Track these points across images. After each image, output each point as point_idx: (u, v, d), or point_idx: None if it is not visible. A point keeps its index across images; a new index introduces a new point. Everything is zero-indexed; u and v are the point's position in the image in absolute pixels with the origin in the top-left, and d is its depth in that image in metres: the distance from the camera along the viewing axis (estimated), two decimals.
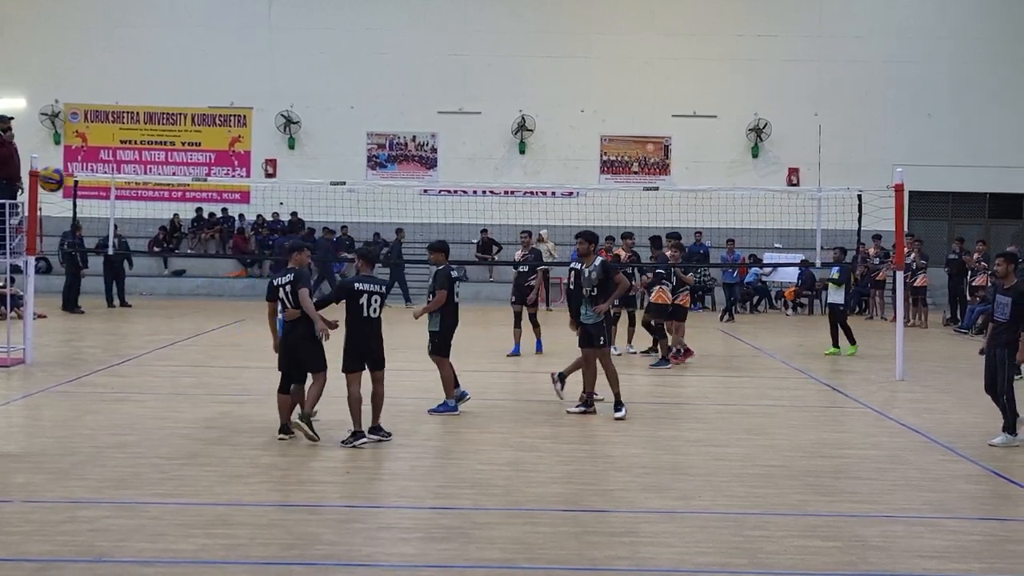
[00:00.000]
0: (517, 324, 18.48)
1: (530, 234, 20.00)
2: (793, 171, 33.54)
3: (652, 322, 17.95)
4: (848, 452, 11.19)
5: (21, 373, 15.45)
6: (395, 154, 34.41)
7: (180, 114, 34.22)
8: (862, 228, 18.90)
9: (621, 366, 14.29)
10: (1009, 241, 30.76)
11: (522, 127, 33.85)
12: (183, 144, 34.32)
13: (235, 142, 34.36)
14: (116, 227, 21.09)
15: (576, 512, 8.74)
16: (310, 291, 11.16)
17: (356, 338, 11.04)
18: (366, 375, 11.11)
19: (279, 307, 11.31)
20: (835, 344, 19.82)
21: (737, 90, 33.69)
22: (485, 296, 30.67)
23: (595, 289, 12.77)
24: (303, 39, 33.73)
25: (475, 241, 31.70)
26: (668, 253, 18.30)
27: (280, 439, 11.07)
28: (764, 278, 30.64)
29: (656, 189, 23.03)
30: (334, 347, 11.15)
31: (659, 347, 17.91)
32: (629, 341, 19.27)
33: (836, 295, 19.89)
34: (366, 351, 11.09)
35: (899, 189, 16.73)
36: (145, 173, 33.42)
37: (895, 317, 17.70)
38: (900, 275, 17.55)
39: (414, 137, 34.37)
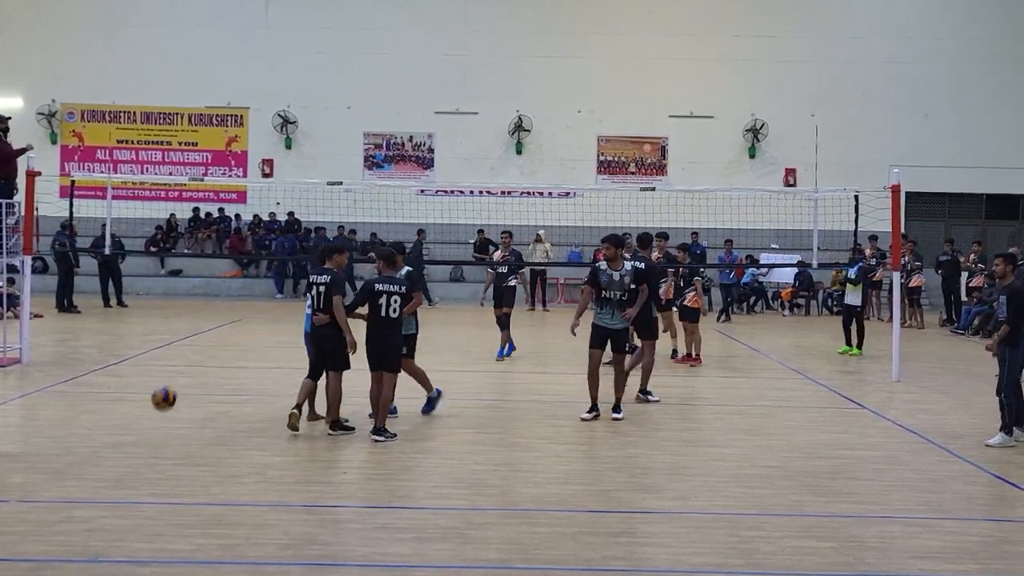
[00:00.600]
0: (502, 327, 18.02)
1: (511, 234, 19.62)
2: (790, 172, 33.56)
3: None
4: (845, 453, 11.19)
5: (17, 373, 15.44)
6: (392, 154, 34.40)
7: (177, 114, 34.19)
8: (859, 229, 18.92)
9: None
10: (1006, 242, 30.85)
11: (519, 127, 33.85)
12: (180, 144, 34.29)
13: (232, 142, 34.34)
14: (110, 227, 21.05)
15: (572, 512, 8.74)
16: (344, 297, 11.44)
17: (375, 337, 11.23)
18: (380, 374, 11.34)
19: (308, 304, 11.58)
20: (848, 343, 19.86)
21: (734, 90, 33.70)
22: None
23: (627, 294, 12.53)
24: (300, 39, 33.72)
25: (472, 241, 31.69)
26: (655, 255, 18.32)
27: (292, 413, 11.32)
28: (761, 278, 30.65)
29: (653, 189, 23.00)
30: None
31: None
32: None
33: (853, 296, 19.83)
34: (383, 351, 11.25)
35: (896, 190, 16.74)
36: (142, 173, 33.40)
37: (891, 318, 17.71)
38: (896, 276, 17.57)
39: (411, 137, 34.37)
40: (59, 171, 31.38)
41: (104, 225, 21.44)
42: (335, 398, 11.42)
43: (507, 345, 18.05)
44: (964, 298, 25.63)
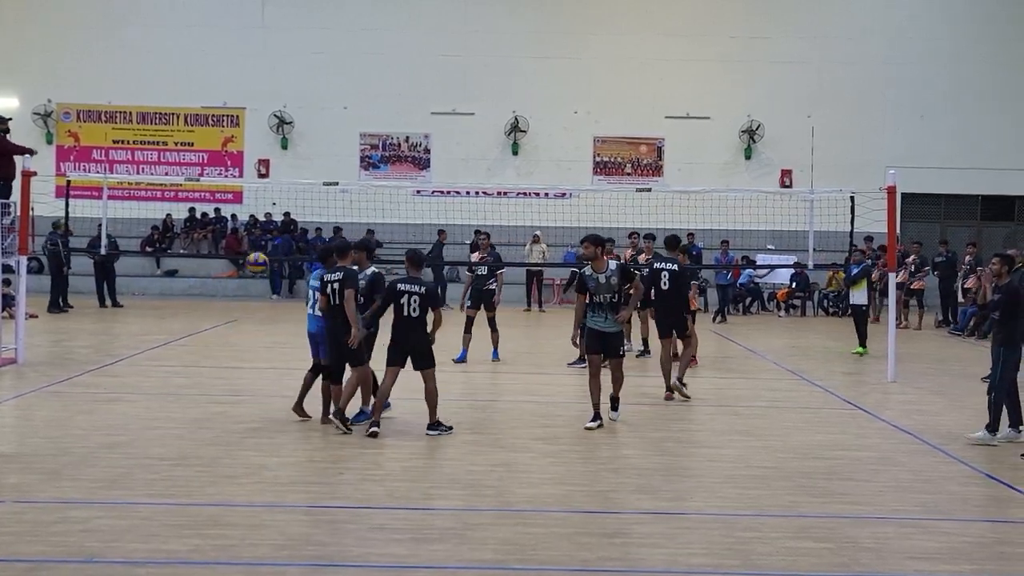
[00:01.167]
0: (468, 330, 17.51)
1: (488, 235, 19.46)
2: (786, 173, 33.57)
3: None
4: (840, 454, 11.20)
5: (13, 373, 15.43)
6: (388, 154, 34.39)
7: (173, 114, 34.16)
8: (855, 230, 18.94)
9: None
10: (1001, 243, 30.88)
11: (515, 128, 33.85)
12: (176, 144, 34.25)
13: (228, 142, 34.31)
14: (105, 227, 21.02)
15: (568, 513, 8.74)
16: (357, 292, 11.55)
17: (399, 336, 11.41)
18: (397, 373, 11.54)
19: (310, 303, 11.91)
20: (862, 343, 19.95)
21: (730, 91, 33.70)
22: None
23: (616, 295, 12.08)
24: (296, 39, 33.69)
25: (468, 242, 31.65)
26: (641, 257, 18.41)
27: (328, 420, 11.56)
28: (758, 279, 30.67)
29: (649, 190, 23.03)
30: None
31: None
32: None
33: (860, 296, 19.85)
34: (408, 349, 11.42)
35: (891, 191, 16.76)
36: (138, 173, 33.31)
37: (882, 318, 17.75)
38: (892, 277, 17.58)
39: (407, 138, 34.35)
40: (55, 171, 31.36)
41: (100, 225, 21.38)
42: (349, 391, 11.61)
43: (465, 349, 17.51)
44: (960, 299, 25.64)
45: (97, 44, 33.56)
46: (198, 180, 29.70)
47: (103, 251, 21.68)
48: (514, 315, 26.63)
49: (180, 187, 33.29)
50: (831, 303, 30.22)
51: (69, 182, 21.31)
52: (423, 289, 11.46)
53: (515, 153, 34.09)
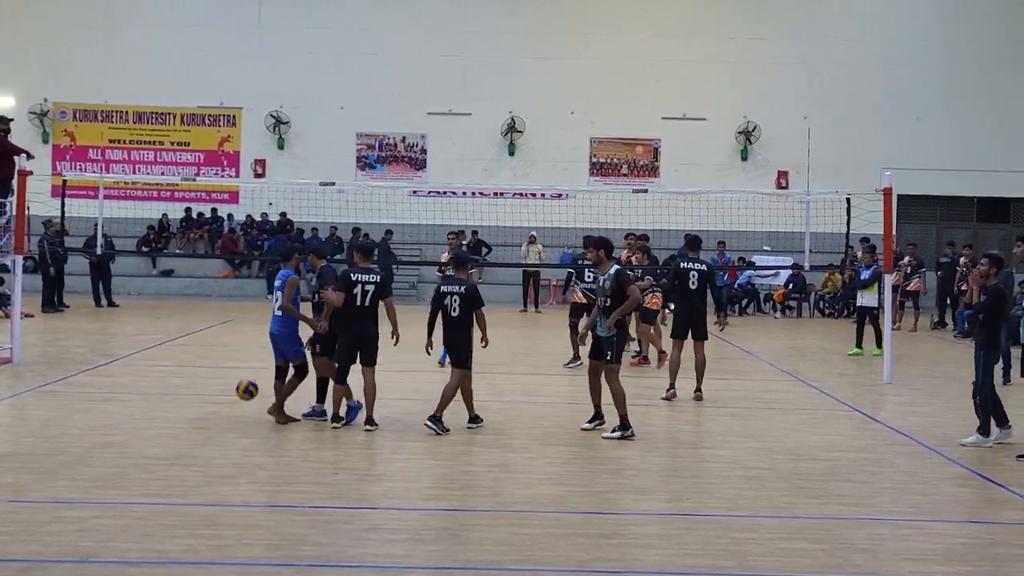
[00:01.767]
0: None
1: (457, 235, 19.18)
2: (782, 174, 33.59)
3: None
4: (836, 455, 11.20)
5: (8, 372, 15.40)
6: (384, 155, 34.39)
7: (169, 114, 34.14)
8: (850, 231, 18.96)
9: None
10: (997, 245, 30.89)
11: (512, 128, 33.85)
12: (172, 144, 34.22)
13: (224, 142, 34.28)
14: (101, 227, 21.02)
15: (564, 514, 8.74)
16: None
17: (445, 336, 11.90)
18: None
19: (277, 303, 12.07)
20: (859, 344, 19.95)
21: (727, 93, 33.72)
22: None
23: (608, 300, 11.87)
24: (293, 39, 33.68)
25: (465, 243, 31.65)
26: (634, 257, 18.40)
27: (334, 427, 11.57)
28: (759, 279, 30.70)
29: (645, 191, 23.06)
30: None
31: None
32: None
33: (868, 298, 19.85)
34: (451, 348, 11.91)
35: (887, 192, 16.77)
36: (134, 173, 33.30)
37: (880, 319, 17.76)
38: (888, 278, 17.59)
39: (403, 138, 34.35)
40: (51, 171, 31.28)
41: (96, 225, 21.38)
42: (371, 395, 11.68)
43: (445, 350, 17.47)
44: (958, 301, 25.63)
45: (93, 43, 33.53)
46: (194, 180, 29.69)
47: (99, 251, 21.64)
48: (510, 316, 26.64)
49: (176, 187, 33.28)
50: (827, 304, 30.24)
51: (65, 182, 21.32)
52: (463, 289, 11.81)
53: (511, 154, 34.09)
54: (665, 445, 11.53)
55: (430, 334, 11.88)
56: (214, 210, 33.70)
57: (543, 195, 30.81)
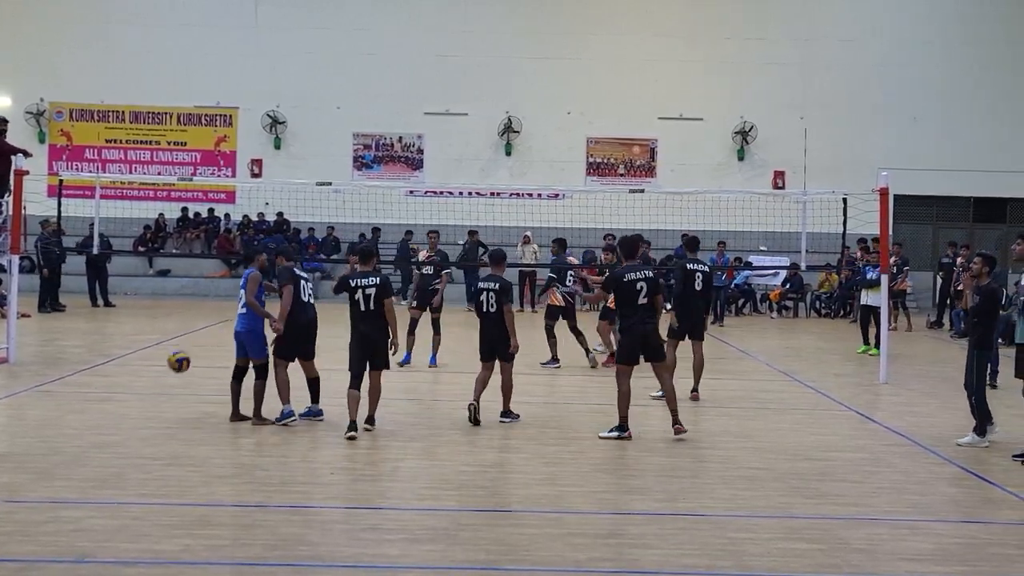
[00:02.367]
0: (412, 331, 16.81)
1: (437, 234, 19.11)
2: (779, 174, 33.61)
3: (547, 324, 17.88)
4: (832, 455, 11.21)
5: (4, 372, 15.38)
6: (381, 155, 34.37)
7: (166, 113, 34.12)
8: (847, 231, 18.96)
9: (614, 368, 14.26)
10: (993, 245, 30.94)
11: (508, 128, 33.85)
12: (168, 143, 34.19)
13: (221, 142, 34.27)
14: (98, 226, 20.98)
15: (561, 514, 8.74)
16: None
17: (481, 332, 12.43)
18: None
19: (241, 299, 12.15)
20: (866, 342, 19.99)
21: (723, 93, 33.73)
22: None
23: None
24: (290, 39, 33.66)
25: (461, 243, 31.66)
26: (604, 256, 18.52)
27: (349, 438, 11.24)
28: (756, 279, 30.71)
29: (642, 191, 23.05)
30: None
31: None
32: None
33: (873, 297, 19.87)
34: (487, 344, 12.41)
35: (884, 192, 16.77)
36: (130, 172, 33.29)
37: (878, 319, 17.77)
38: (885, 279, 17.60)
39: (400, 138, 34.34)
40: (47, 170, 31.23)
41: (92, 225, 21.35)
42: (376, 396, 11.71)
43: (408, 352, 16.94)
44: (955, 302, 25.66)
45: (90, 43, 33.49)
46: (191, 180, 29.63)
47: (95, 250, 21.61)
48: None
49: (173, 187, 33.24)
50: (824, 304, 30.26)
51: (61, 181, 21.30)
52: (497, 285, 12.23)
53: (508, 154, 34.09)
54: (662, 445, 11.53)
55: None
56: (211, 210, 33.67)
57: (540, 195, 30.80)
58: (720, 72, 33.71)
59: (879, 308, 19.62)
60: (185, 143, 34.18)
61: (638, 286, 11.74)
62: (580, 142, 34.21)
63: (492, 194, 30.11)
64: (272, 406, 12.02)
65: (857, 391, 15.80)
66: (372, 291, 11.63)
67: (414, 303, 17.42)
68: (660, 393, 13.95)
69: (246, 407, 12.05)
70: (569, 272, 18.06)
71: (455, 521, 8.42)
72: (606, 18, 33.84)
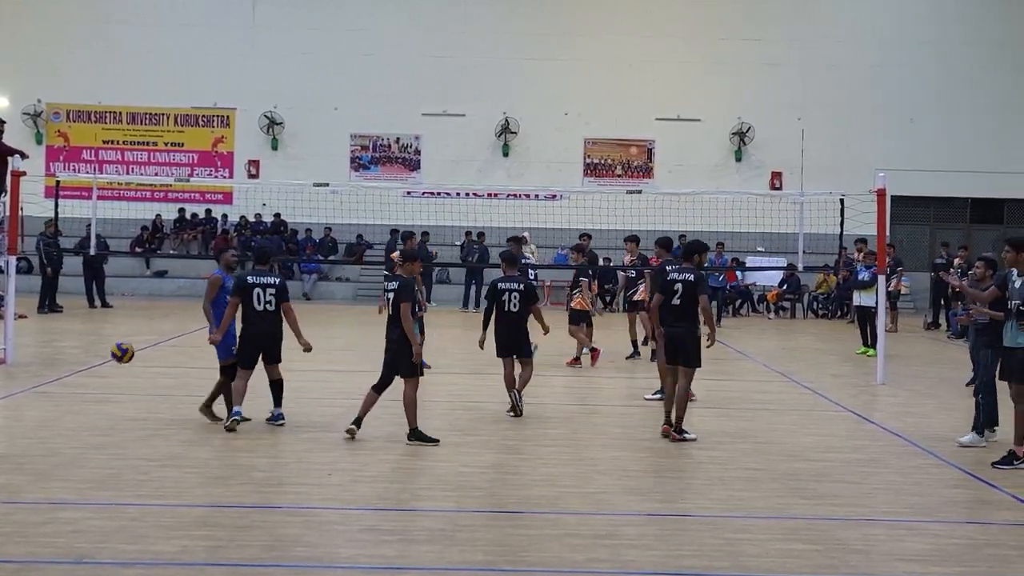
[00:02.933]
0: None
1: (414, 235, 19.10)
2: (776, 175, 33.64)
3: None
4: (830, 455, 11.21)
5: (2, 373, 15.36)
6: (378, 156, 34.38)
7: (163, 114, 34.12)
8: (844, 232, 18.98)
9: (611, 369, 14.24)
10: (990, 246, 30.95)
11: (506, 129, 33.86)
12: (166, 144, 34.21)
13: (218, 143, 34.27)
14: (95, 227, 20.97)
15: (558, 515, 8.74)
16: (414, 304, 11.91)
17: (501, 330, 12.68)
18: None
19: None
20: (865, 343, 20.01)
21: (721, 94, 33.76)
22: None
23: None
24: (287, 40, 33.67)
25: (459, 243, 31.67)
26: (627, 259, 18.48)
27: (349, 431, 11.27)
28: (754, 280, 30.73)
29: (639, 192, 23.06)
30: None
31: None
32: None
33: (867, 298, 19.90)
34: (508, 342, 12.71)
35: (881, 193, 16.79)
36: (127, 173, 33.30)
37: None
38: (882, 279, 17.62)
39: (398, 139, 34.35)
40: (44, 171, 31.23)
41: (89, 225, 21.34)
42: (412, 406, 11.17)
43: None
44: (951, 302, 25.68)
45: (87, 44, 33.50)
46: (188, 181, 29.64)
47: (92, 251, 21.60)
48: None
49: (170, 187, 33.26)
50: (821, 305, 30.27)
51: (58, 182, 21.29)
52: (521, 286, 12.53)
53: (505, 154, 34.11)
54: (659, 446, 11.52)
55: (485, 328, 12.77)
56: (208, 211, 33.67)
57: (537, 196, 30.81)
58: (718, 73, 33.75)
59: (871, 308, 19.69)
60: (182, 144, 34.19)
61: (675, 286, 11.73)
62: (577, 143, 34.23)
63: (489, 195, 30.09)
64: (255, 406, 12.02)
65: (854, 392, 15.81)
66: (392, 294, 11.30)
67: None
68: (654, 395, 13.98)
69: (247, 409, 12.04)
70: (580, 277, 18.05)
71: (453, 522, 8.42)
72: (604, 19, 33.86)
